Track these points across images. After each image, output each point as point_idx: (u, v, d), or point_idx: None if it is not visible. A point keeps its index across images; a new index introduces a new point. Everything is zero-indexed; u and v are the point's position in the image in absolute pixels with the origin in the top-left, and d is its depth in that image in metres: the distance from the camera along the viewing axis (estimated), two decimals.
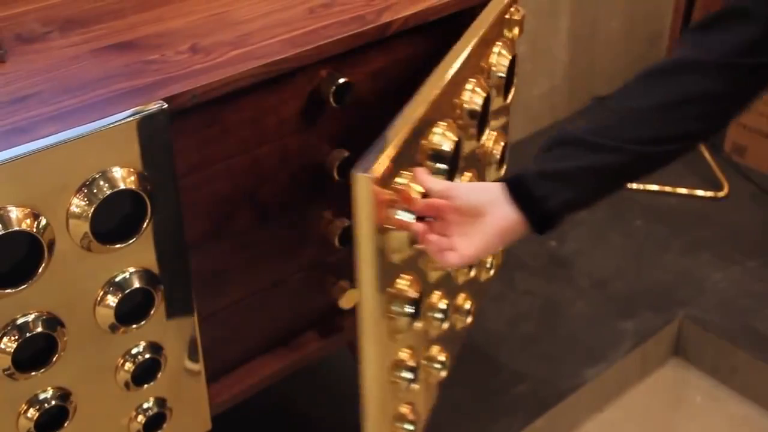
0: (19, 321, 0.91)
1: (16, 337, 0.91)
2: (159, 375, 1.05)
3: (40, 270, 0.89)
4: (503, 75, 1.22)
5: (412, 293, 1.04)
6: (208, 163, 1.07)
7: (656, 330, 1.84)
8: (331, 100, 1.12)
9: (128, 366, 1.02)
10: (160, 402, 1.07)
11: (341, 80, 1.11)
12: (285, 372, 1.28)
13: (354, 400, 1.48)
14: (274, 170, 1.14)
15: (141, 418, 1.06)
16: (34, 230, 0.87)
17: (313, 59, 1.08)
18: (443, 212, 0.93)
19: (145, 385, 1.05)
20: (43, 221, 0.88)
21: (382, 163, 0.93)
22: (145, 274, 0.98)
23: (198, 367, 1.10)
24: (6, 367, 0.91)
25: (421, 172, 0.96)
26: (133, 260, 0.97)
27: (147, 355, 1.03)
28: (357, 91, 1.16)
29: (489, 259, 1.41)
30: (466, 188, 0.93)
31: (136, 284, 0.98)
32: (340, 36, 1.09)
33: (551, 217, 0.90)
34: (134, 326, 1.00)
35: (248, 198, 1.13)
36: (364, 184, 0.92)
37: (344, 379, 1.71)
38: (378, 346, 1.03)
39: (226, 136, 1.07)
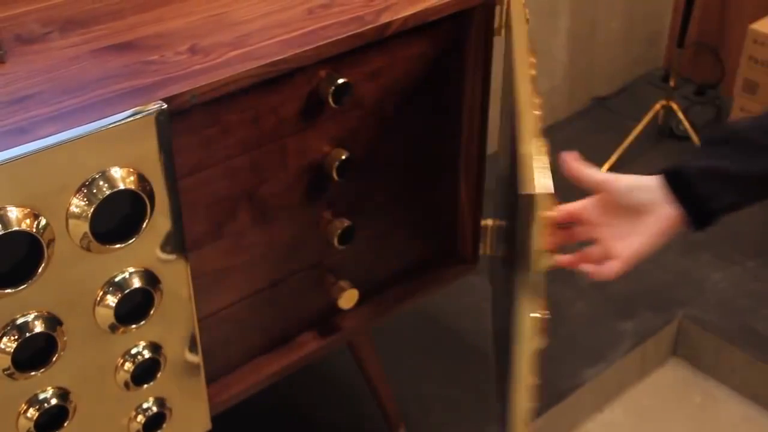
0: (19, 321, 0.91)
1: (16, 337, 0.91)
2: (159, 375, 1.05)
3: (39, 270, 0.90)
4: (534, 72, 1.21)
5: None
6: (208, 164, 1.07)
7: (656, 330, 1.84)
8: (330, 100, 1.12)
9: (128, 366, 1.02)
10: (160, 402, 1.08)
11: (340, 81, 1.12)
12: (285, 372, 1.28)
13: (353, 400, 1.48)
14: (274, 170, 1.14)
15: (141, 418, 1.06)
16: (34, 230, 0.88)
17: (312, 60, 1.08)
18: (590, 215, 0.88)
19: (145, 385, 1.05)
20: (43, 221, 0.88)
21: (546, 176, 0.79)
22: (145, 274, 0.99)
23: (198, 366, 1.10)
24: (6, 366, 0.92)
25: (574, 159, 0.88)
26: (133, 260, 0.97)
27: (147, 355, 1.03)
28: (356, 92, 1.17)
29: None
30: (626, 183, 0.86)
31: (136, 284, 0.98)
32: (339, 37, 1.09)
33: (712, 216, 0.86)
34: (134, 326, 1.00)
35: (248, 198, 1.14)
36: (542, 202, 0.77)
37: (344, 378, 1.72)
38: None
39: (225, 137, 1.08)
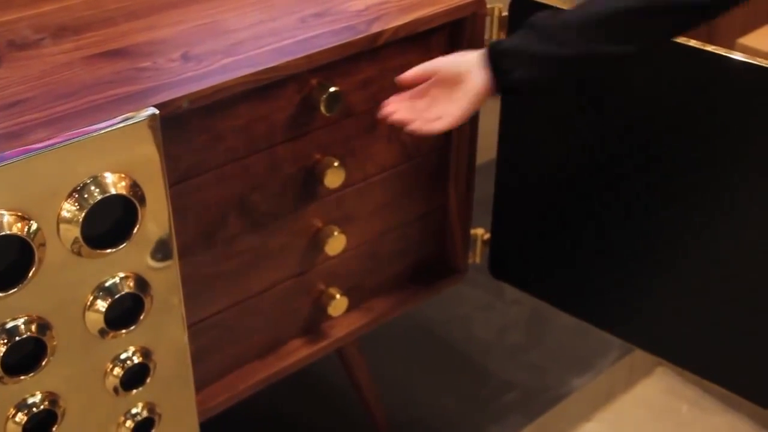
0: (9, 325, 0.91)
1: (5, 341, 0.91)
2: (148, 380, 1.05)
3: (30, 274, 0.90)
4: None
5: None
6: (199, 170, 1.08)
7: None
8: (322, 108, 1.13)
9: (117, 371, 1.02)
10: (149, 407, 1.07)
11: (332, 89, 1.12)
12: (273, 379, 1.28)
13: (342, 408, 1.48)
14: (265, 178, 1.15)
15: (130, 423, 1.06)
16: (25, 234, 0.88)
17: (304, 68, 1.09)
18: (427, 90, 1.08)
19: (134, 390, 1.05)
20: (34, 226, 0.89)
21: None
22: (135, 280, 0.99)
23: (187, 372, 1.10)
24: None
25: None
26: (123, 265, 0.98)
27: (136, 360, 1.03)
28: (347, 100, 1.17)
29: None
30: (452, 57, 1.08)
31: (126, 289, 0.98)
32: (330, 45, 1.10)
33: (513, 84, 1.06)
34: (123, 331, 1.00)
35: (238, 205, 1.14)
36: None
37: (332, 386, 1.72)
38: None
39: (216, 143, 1.08)
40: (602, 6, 1.01)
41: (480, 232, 1.51)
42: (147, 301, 1.01)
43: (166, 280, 1.02)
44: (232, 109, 1.07)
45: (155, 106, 0.95)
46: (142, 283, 1.00)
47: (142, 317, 1.01)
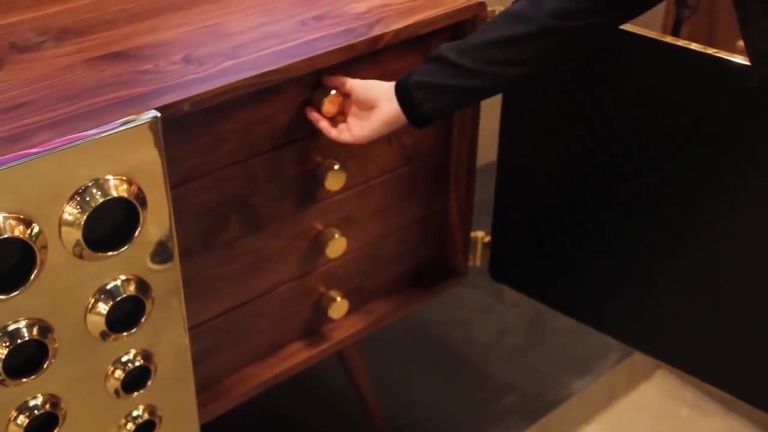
0: (10, 327, 0.91)
1: (7, 344, 0.91)
2: (149, 383, 1.05)
3: (32, 277, 0.90)
4: None
5: None
6: (201, 172, 1.08)
7: None
8: (323, 111, 1.13)
9: (118, 373, 1.02)
10: (150, 410, 1.08)
11: (332, 92, 1.13)
12: (274, 381, 1.28)
13: (342, 410, 1.48)
14: (266, 180, 1.15)
15: (131, 426, 1.06)
16: (27, 237, 0.88)
17: (305, 71, 1.09)
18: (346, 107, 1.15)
19: (135, 393, 1.05)
20: (36, 228, 0.89)
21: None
22: (137, 282, 0.99)
23: (188, 375, 1.10)
24: None
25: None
26: (125, 268, 0.98)
27: (137, 363, 1.03)
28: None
29: None
30: (364, 85, 1.13)
31: (127, 292, 0.98)
32: (331, 48, 1.10)
33: (424, 116, 1.12)
34: (125, 334, 1.00)
35: (239, 207, 1.14)
36: None
37: (332, 388, 1.72)
38: None
39: (218, 146, 1.08)
40: (494, 33, 1.08)
41: (480, 235, 1.52)
42: (148, 304, 1.01)
43: (167, 282, 1.02)
44: (233, 112, 1.07)
45: (157, 108, 0.95)
46: (143, 286, 1.00)
47: (143, 320, 1.01)
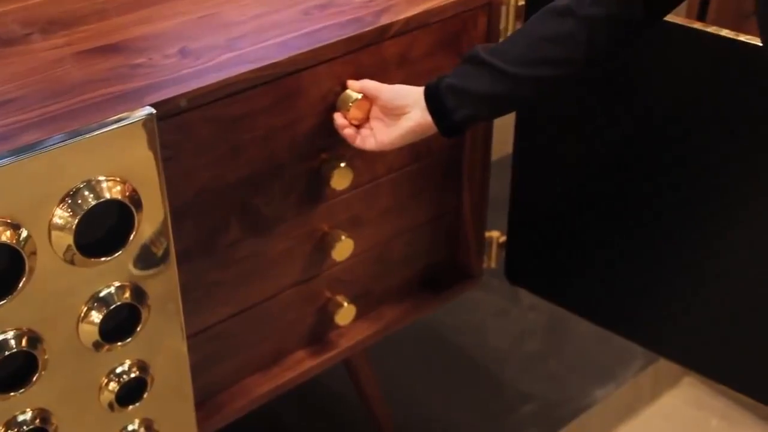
0: None
1: None
2: (145, 395, 1.05)
3: (20, 285, 0.90)
4: None
5: None
6: (199, 172, 1.08)
7: None
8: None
9: (112, 386, 1.02)
10: (146, 424, 1.08)
11: (359, 97, 1.12)
12: (277, 392, 1.28)
13: (348, 420, 1.48)
14: (269, 179, 1.15)
15: None
16: (15, 243, 0.88)
17: (308, 63, 1.08)
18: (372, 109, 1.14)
19: (131, 406, 1.05)
20: (24, 233, 0.89)
21: None
22: (132, 289, 0.99)
23: (186, 386, 1.10)
24: None
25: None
26: (119, 274, 0.98)
27: (132, 375, 1.03)
28: None
29: None
30: (392, 89, 1.12)
31: (122, 299, 0.98)
32: (336, 39, 1.10)
33: (455, 125, 1.10)
34: (119, 344, 1.00)
35: (240, 208, 1.14)
36: None
37: (339, 397, 1.72)
38: None
39: (236, 156, 1.07)
40: (534, 31, 1.06)
41: (495, 235, 1.51)
42: (144, 312, 1.00)
43: (164, 289, 1.02)
44: (251, 120, 1.07)
45: (152, 105, 0.95)
46: (138, 293, 1.00)
47: (138, 329, 1.01)
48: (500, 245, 1.52)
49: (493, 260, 1.52)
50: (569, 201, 1.41)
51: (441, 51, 1.22)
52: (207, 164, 1.06)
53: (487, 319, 1.94)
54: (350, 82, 1.13)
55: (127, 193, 0.94)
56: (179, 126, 1.00)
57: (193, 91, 0.99)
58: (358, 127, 1.14)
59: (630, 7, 1.03)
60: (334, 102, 1.14)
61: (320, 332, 1.33)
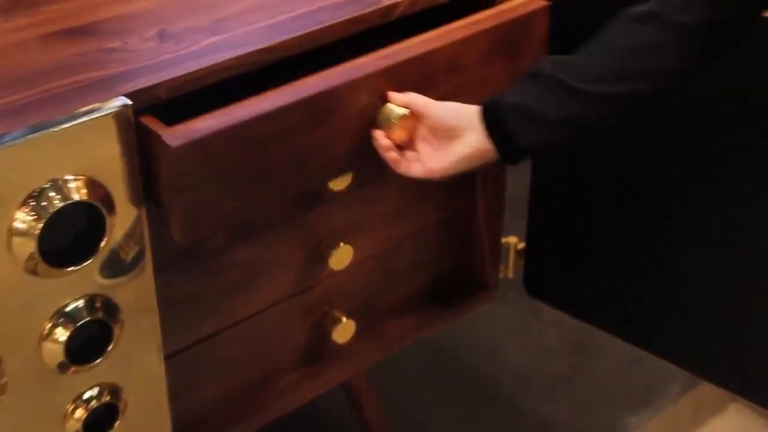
0: None
1: None
2: (116, 424, 1.06)
3: None
4: None
5: None
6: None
7: None
8: None
9: (80, 413, 1.02)
10: None
11: (404, 113, 1.08)
12: (267, 419, 1.29)
13: None
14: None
15: None
16: None
17: (302, 49, 1.09)
18: (419, 129, 1.10)
19: None
20: None
21: None
22: (103, 303, 0.99)
23: (163, 414, 1.11)
24: None
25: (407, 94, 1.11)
26: (89, 286, 0.98)
27: (103, 400, 1.03)
28: None
29: None
30: (442, 108, 1.08)
31: (91, 315, 0.98)
32: (334, 21, 1.10)
33: (519, 152, 1.07)
34: (88, 365, 1.01)
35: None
36: None
37: (337, 423, 1.72)
38: None
39: (258, 184, 1.06)
40: (615, 40, 1.04)
41: (513, 241, 1.52)
42: (116, 329, 1.01)
43: (139, 302, 1.02)
44: (280, 141, 1.05)
45: (126, 95, 0.95)
46: (109, 307, 1.00)
47: (110, 348, 1.01)
48: (519, 252, 1.52)
49: (510, 269, 1.53)
50: (596, 201, 1.40)
51: (496, 58, 1.19)
52: (231, 193, 1.04)
53: (504, 337, 1.94)
54: (392, 95, 1.09)
55: (99, 195, 0.94)
56: (198, 149, 0.97)
57: (174, 79, 0.99)
58: (400, 148, 1.10)
59: (725, 9, 1.00)
60: (372, 118, 1.10)
61: (315, 351, 1.33)
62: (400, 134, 1.09)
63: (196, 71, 1.01)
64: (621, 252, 1.40)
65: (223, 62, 1.03)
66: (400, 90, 1.10)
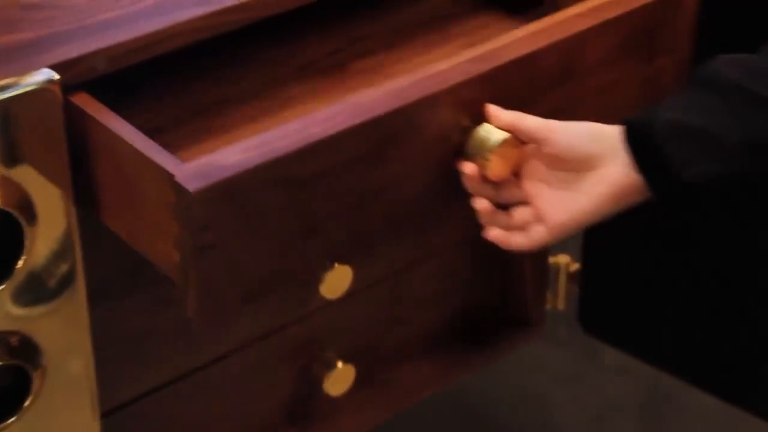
0: None
1: None
2: None
3: None
4: None
5: None
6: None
7: None
8: None
9: None
10: None
11: (504, 137, 1.02)
12: None
13: None
14: None
15: None
16: None
17: (284, 6, 1.09)
18: (523, 168, 1.02)
19: None
20: None
21: None
22: (18, 343, 0.99)
23: None
24: None
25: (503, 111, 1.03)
26: (1, 320, 0.97)
27: None
28: None
29: None
30: (569, 130, 1.00)
31: (3, 359, 0.98)
32: None
33: (680, 187, 0.98)
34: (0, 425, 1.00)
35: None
36: None
37: None
38: None
39: (307, 238, 1.02)
40: None
41: (563, 261, 1.53)
42: (36, 377, 1.00)
43: (68, 341, 1.02)
44: (335, 178, 1.00)
45: (52, 66, 0.95)
46: (28, 348, 1.00)
47: (27, 403, 1.00)
48: (571, 276, 1.53)
49: (560, 300, 1.54)
50: (669, 215, 1.39)
51: (626, 57, 1.15)
52: (267, 251, 0.99)
53: (552, 387, 1.95)
54: (494, 112, 1.02)
55: (15, 199, 0.94)
56: (226, 193, 0.91)
57: (116, 46, 0.99)
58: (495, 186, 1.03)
59: None
60: (457, 145, 1.03)
61: (302, 407, 1.33)
62: (499, 168, 1.01)
63: (147, 35, 1.00)
64: (704, 283, 1.39)
65: (182, 24, 1.02)
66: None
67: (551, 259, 1.50)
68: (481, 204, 1.03)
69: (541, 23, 1.09)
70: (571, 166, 1.00)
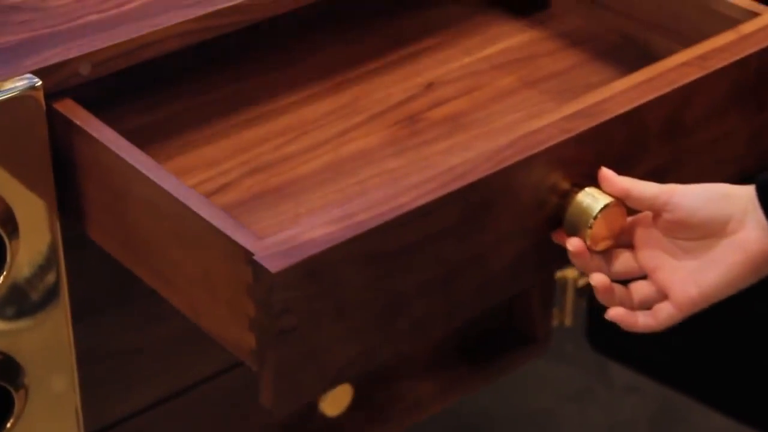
0: None
1: None
2: None
3: None
4: None
5: None
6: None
7: None
8: None
9: None
10: None
11: (607, 202, 0.95)
12: None
13: None
14: None
15: None
16: None
17: (286, 7, 1.09)
18: (641, 237, 0.97)
19: None
20: None
21: None
22: (1, 362, 0.99)
23: None
24: None
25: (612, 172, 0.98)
26: None
27: None
28: None
29: None
30: (694, 192, 0.94)
31: None
32: None
33: None
34: None
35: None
36: None
37: None
38: None
39: (369, 300, 0.99)
40: None
41: (571, 275, 1.53)
42: (18, 398, 1.00)
43: (52, 359, 1.02)
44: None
45: (34, 72, 0.94)
46: (10, 367, 0.99)
47: (8, 425, 1.00)
48: (579, 291, 1.53)
49: (567, 315, 1.54)
50: None
51: (734, 107, 1.10)
52: (353, 333, 0.93)
53: (559, 406, 1.95)
54: (606, 175, 0.96)
55: None
56: (310, 273, 0.85)
57: (101, 50, 0.99)
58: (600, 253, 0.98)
59: None
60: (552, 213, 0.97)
61: (297, 428, 1.33)
62: (602, 237, 0.95)
63: (133, 39, 1.01)
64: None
65: (174, 27, 1.02)
66: (593, 169, 0.97)
67: (558, 273, 1.50)
68: (598, 279, 0.95)
69: (643, 74, 1.04)
70: (696, 232, 0.95)
